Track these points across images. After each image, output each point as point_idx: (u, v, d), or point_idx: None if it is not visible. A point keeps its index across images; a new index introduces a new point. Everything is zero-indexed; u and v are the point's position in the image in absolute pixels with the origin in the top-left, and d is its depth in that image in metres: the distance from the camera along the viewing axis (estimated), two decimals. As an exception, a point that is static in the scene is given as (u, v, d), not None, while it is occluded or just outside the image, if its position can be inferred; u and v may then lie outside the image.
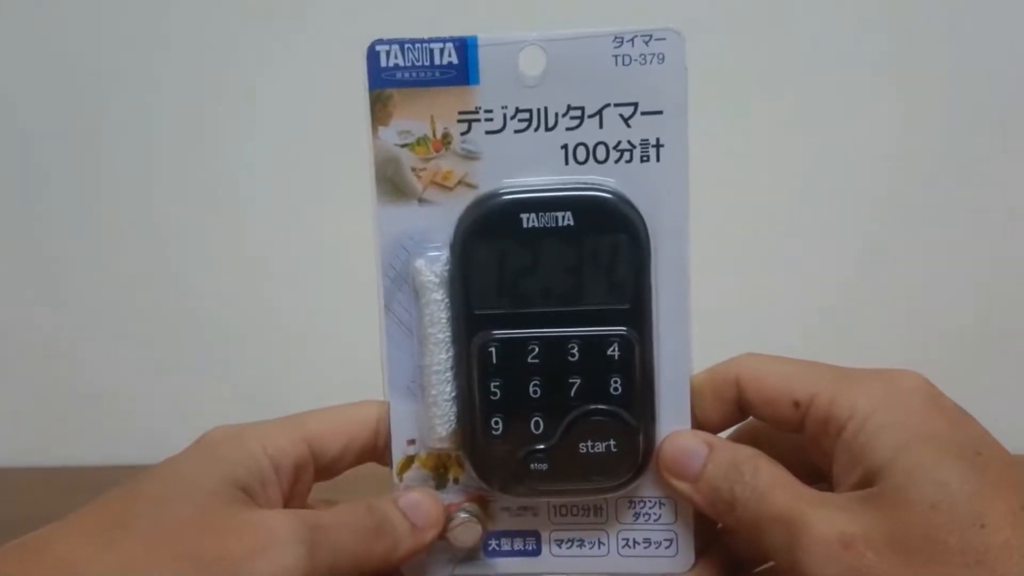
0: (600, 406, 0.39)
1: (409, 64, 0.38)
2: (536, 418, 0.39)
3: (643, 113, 0.38)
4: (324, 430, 0.40)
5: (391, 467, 0.41)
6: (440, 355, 0.39)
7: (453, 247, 0.38)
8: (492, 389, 0.39)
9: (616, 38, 0.38)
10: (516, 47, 0.38)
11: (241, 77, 0.72)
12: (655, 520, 0.41)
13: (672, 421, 0.40)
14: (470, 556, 0.42)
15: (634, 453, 0.39)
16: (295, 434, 0.39)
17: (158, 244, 0.73)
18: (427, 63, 0.38)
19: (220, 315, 0.74)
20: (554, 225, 0.38)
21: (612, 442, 0.39)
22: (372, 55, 0.38)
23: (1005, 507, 0.31)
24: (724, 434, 0.40)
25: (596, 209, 0.38)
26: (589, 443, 0.39)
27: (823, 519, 0.33)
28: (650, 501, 0.41)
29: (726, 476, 0.37)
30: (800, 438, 0.37)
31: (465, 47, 0.38)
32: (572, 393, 0.39)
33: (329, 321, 0.72)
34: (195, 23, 0.71)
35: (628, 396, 0.39)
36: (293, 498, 0.39)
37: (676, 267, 0.39)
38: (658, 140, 0.38)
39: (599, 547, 0.41)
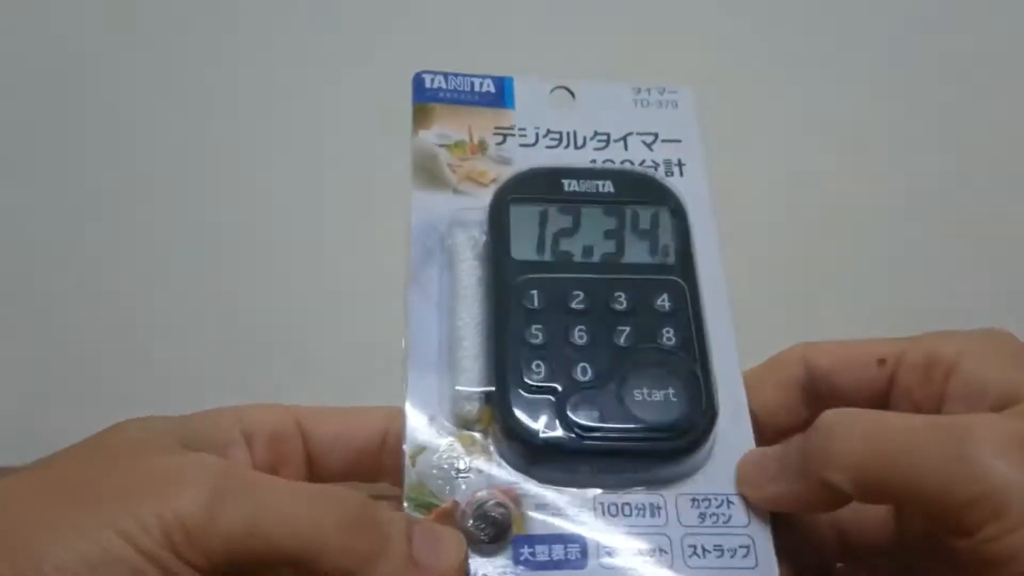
0: (654, 352, 0.35)
1: (451, 88, 0.42)
2: (582, 363, 0.34)
3: (663, 140, 0.42)
4: (320, 416, 0.35)
5: (402, 483, 0.34)
6: (470, 310, 0.36)
7: (493, 204, 0.38)
8: (533, 332, 0.35)
9: (635, 88, 0.43)
10: (548, 85, 0.43)
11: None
12: (724, 522, 0.33)
13: (727, 416, 0.35)
14: (497, 563, 0.32)
15: (697, 402, 0.34)
16: (281, 410, 0.34)
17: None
18: (467, 89, 0.42)
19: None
20: (595, 191, 0.38)
21: (671, 390, 0.34)
22: (418, 80, 0.42)
23: None
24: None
25: (636, 181, 0.39)
26: (645, 390, 0.34)
27: (990, 424, 0.29)
28: (715, 499, 0.34)
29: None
30: None
31: (502, 82, 0.42)
32: (621, 340, 0.35)
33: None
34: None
35: (684, 346, 0.35)
36: (277, 468, 0.32)
37: (709, 266, 0.38)
38: (679, 160, 0.41)
39: (660, 555, 0.33)
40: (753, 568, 0.32)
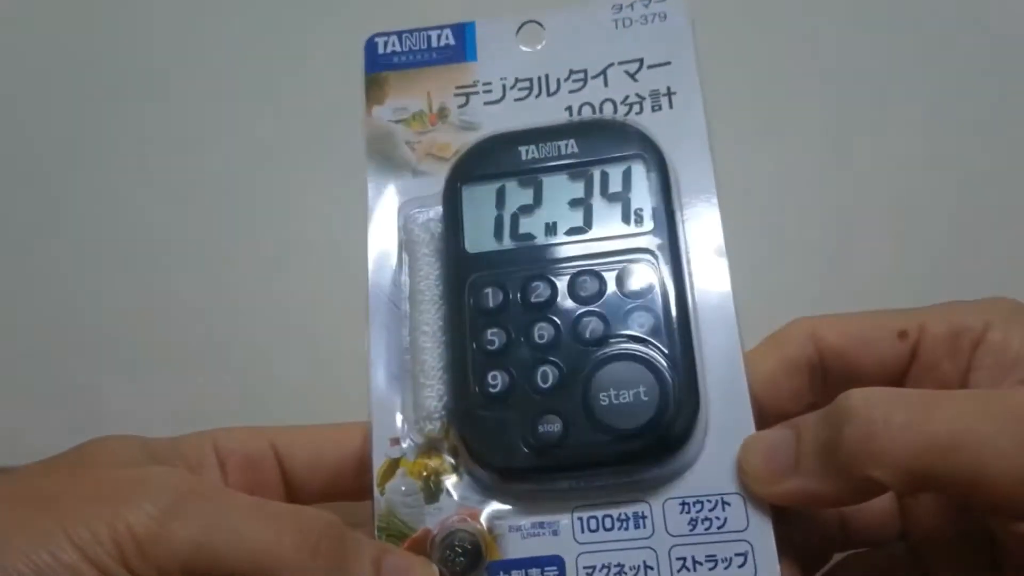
0: (622, 344, 0.31)
1: (406, 50, 0.38)
2: (543, 368, 0.31)
3: (649, 67, 0.36)
4: (294, 437, 0.34)
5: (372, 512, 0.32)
6: (429, 314, 0.33)
7: (446, 189, 0.34)
8: (489, 338, 0.32)
9: (615, 6, 0.37)
10: (514, 24, 0.37)
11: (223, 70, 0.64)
12: (718, 527, 0.30)
13: (723, 402, 0.31)
14: (467, 598, 0.30)
15: (672, 398, 0.30)
16: (254, 432, 0.34)
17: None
18: (424, 47, 0.38)
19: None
20: (556, 154, 0.34)
21: (642, 388, 0.30)
22: (370, 47, 0.38)
23: None
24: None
25: (603, 133, 0.34)
26: (612, 392, 0.30)
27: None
28: (708, 501, 0.30)
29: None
30: None
31: (463, 31, 0.38)
32: (587, 335, 0.31)
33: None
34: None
35: (656, 333, 0.31)
36: (253, 492, 0.32)
37: (703, 222, 0.33)
38: (669, 89, 0.35)
39: (646, 573, 0.30)
40: None
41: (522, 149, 0.34)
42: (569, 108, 0.36)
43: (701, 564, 0.29)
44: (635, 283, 0.31)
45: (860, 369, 0.30)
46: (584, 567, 0.30)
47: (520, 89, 0.36)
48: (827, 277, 0.53)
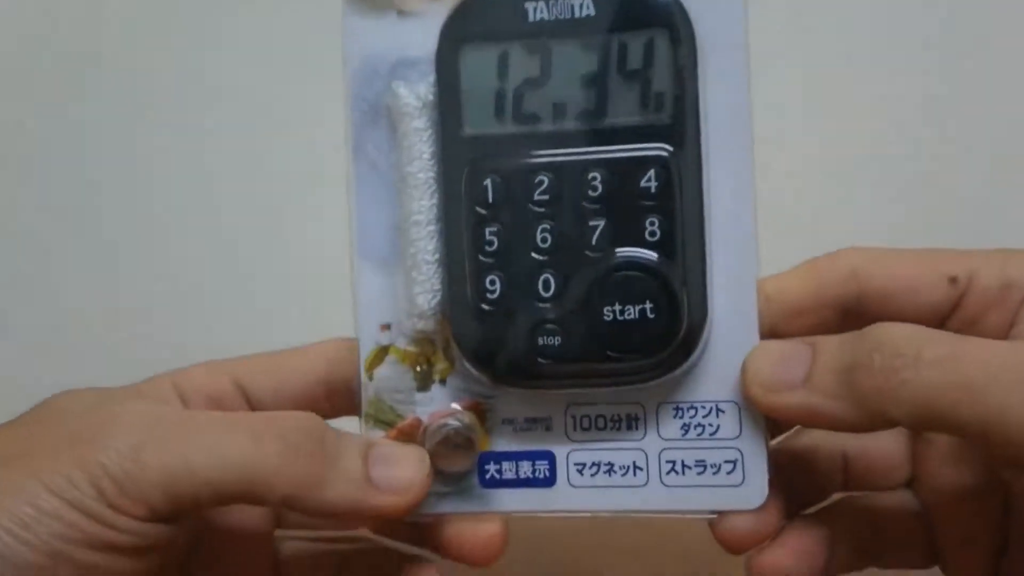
0: (632, 253, 0.29)
1: None
2: (546, 275, 0.29)
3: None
4: (256, 368, 0.32)
5: (359, 399, 0.31)
6: (422, 201, 0.30)
7: (439, 53, 0.30)
8: (488, 238, 0.29)
9: None
10: None
11: None
12: (711, 434, 0.30)
13: (728, 312, 0.30)
14: (459, 484, 0.31)
15: (677, 319, 0.29)
16: (215, 368, 0.32)
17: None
18: None
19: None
20: (570, 16, 0.29)
21: (648, 304, 0.29)
22: None
23: None
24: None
25: (623, -5, 0.29)
26: (617, 306, 0.29)
27: None
28: (702, 407, 0.30)
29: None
30: None
31: None
32: (593, 239, 0.29)
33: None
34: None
35: (669, 242, 0.29)
36: None
37: (732, 89, 0.29)
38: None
39: (634, 473, 0.30)
40: (739, 486, 0.30)
41: (529, 6, 0.29)
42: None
43: (690, 468, 0.30)
44: (649, 182, 0.29)
45: (902, 315, 0.29)
46: (575, 463, 0.31)
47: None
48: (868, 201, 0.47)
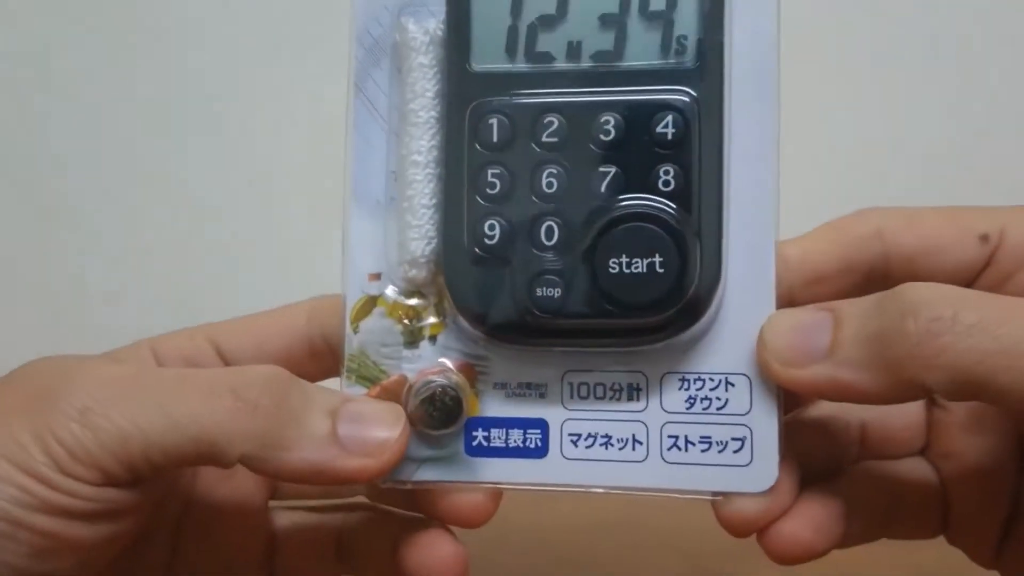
0: (643, 203, 0.27)
1: None
2: (548, 222, 0.27)
3: None
4: (234, 331, 0.32)
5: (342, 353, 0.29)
6: (422, 141, 0.28)
7: (448, -16, 0.28)
8: (489, 180, 0.27)
9: None
10: None
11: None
12: (719, 408, 0.28)
13: (744, 279, 0.27)
14: (443, 449, 0.28)
15: (687, 275, 0.27)
16: (192, 332, 0.31)
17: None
18: None
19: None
20: (587, -51, 0.28)
21: (658, 258, 0.27)
22: None
23: None
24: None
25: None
26: (624, 258, 0.27)
27: None
28: (711, 379, 0.28)
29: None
30: None
31: None
32: (603, 186, 0.27)
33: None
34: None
35: (684, 193, 0.27)
36: None
37: (759, 38, 0.28)
38: None
39: (633, 448, 0.28)
40: (746, 466, 0.27)
41: (546, -62, 0.28)
42: None
43: (694, 445, 0.28)
44: (665, 127, 0.27)
45: (931, 276, 0.27)
46: (569, 434, 0.28)
47: None
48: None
